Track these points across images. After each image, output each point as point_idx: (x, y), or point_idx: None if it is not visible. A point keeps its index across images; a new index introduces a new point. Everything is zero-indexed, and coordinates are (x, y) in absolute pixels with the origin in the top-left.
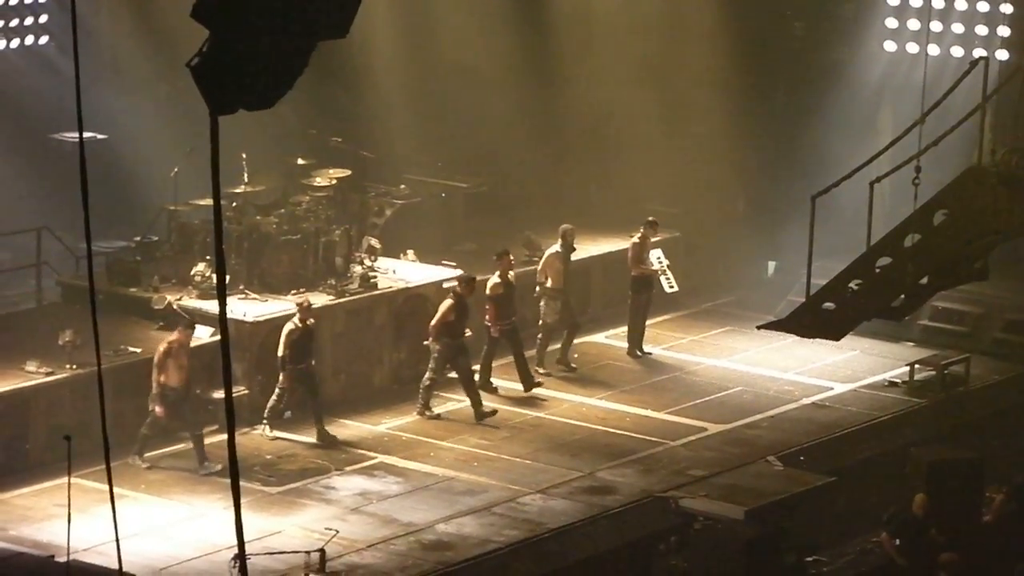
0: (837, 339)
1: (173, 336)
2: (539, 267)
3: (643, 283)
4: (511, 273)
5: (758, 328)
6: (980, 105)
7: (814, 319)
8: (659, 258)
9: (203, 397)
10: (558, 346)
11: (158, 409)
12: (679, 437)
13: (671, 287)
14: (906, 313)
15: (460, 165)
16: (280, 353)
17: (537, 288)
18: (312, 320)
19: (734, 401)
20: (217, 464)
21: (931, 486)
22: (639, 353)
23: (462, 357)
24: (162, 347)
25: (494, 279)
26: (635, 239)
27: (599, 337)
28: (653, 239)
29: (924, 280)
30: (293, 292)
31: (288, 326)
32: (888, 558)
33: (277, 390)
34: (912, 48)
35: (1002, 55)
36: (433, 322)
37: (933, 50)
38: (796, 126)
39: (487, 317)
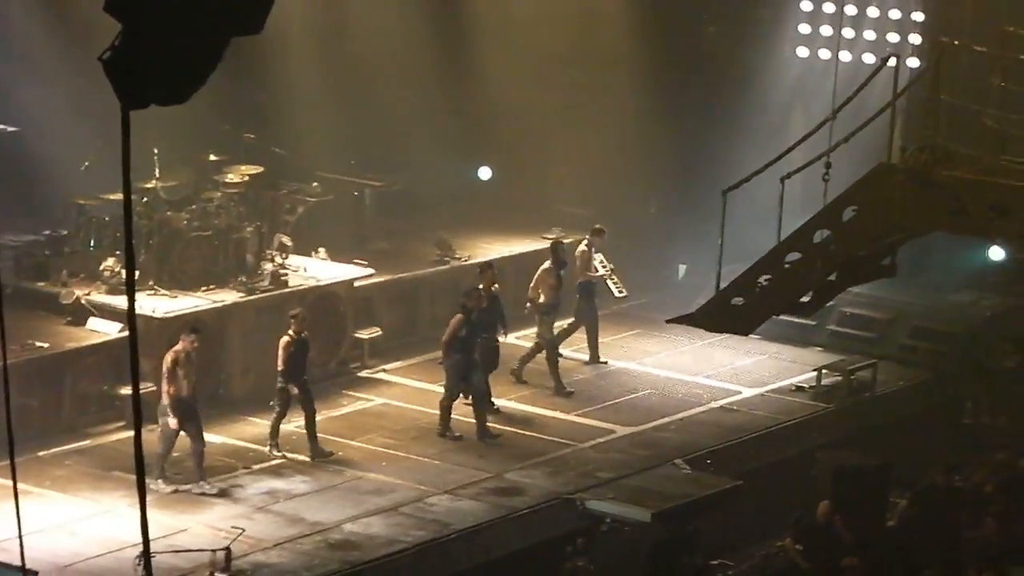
0: (746, 334)
1: (178, 345)
2: (532, 283)
3: (588, 289)
4: (495, 287)
5: (667, 322)
6: (890, 103)
7: (723, 314)
8: (602, 262)
9: (110, 393)
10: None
11: (171, 422)
12: (587, 439)
13: (620, 292)
14: (814, 309)
15: (373, 163)
16: (279, 368)
17: (528, 304)
18: (306, 333)
19: (643, 404)
20: (214, 488)
21: (837, 491)
22: (597, 364)
23: (475, 374)
24: (169, 357)
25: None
26: (582, 247)
27: (509, 338)
28: (596, 247)
29: (833, 276)
30: (203, 289)
31: (284, 339)
32: (792, 563)
33: (277, 408)
34: (824, 54)
35: (913, 63)
36: (444, 338)
37: (845, 56)
38: (708, 130)
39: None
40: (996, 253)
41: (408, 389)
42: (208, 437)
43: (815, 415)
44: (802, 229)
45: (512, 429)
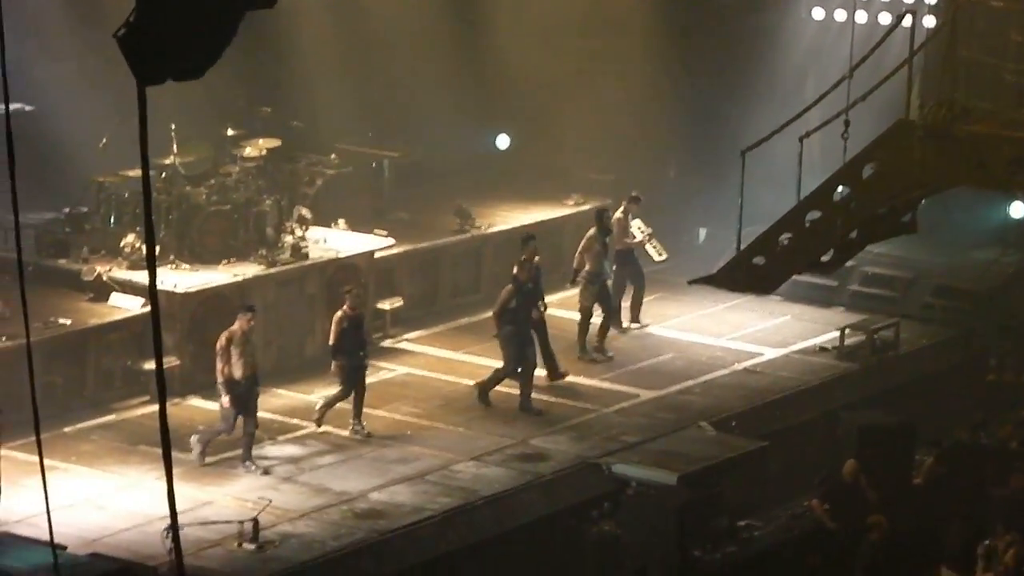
0: (767, 293)
1: (234, 325)
2: (578, 251)
3: (626, 256)
4: (537, 258)
5: (689, 283)
6: (907, 59)
7: (744, 273)
8: (640, 228)
9: (134, 368)
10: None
11: (225, 401)
12: (612, 404)
13: (660, 255)
14: (836, 267)
15: (390, 134)
16: (331, 343)
17: (575, 273)
18: (361, 310)
19: (666, 367)
20: (259, 470)
21: (862, 450)
22: (636, 325)
23: (529, 347)
24: (223, 337)
25: (522, 263)
26: (618, 214)
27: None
28: (633, 213)
29: (853, 234)
30: (224, 263)
31: (337, 314)
32: (818, 522)
33: (339, 387)
34: (840, 15)
35: (929, 20)
36: (495, 310)
37: (861, 17)
38: (724, 93)
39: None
40: (1017, 210)
41: (431, 358)
42: None
43: (839, 375)
44: (822, 187)
45: (536, 395)
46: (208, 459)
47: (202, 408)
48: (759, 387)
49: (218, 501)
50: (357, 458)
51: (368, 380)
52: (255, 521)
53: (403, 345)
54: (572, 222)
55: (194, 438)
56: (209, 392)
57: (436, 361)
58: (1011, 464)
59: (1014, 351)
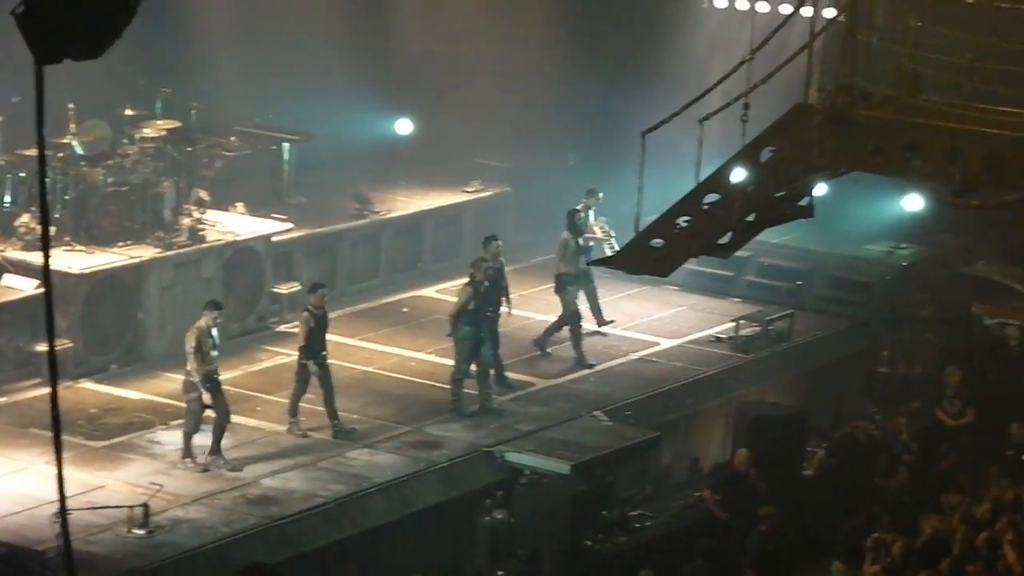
0: (665, 275)
1: (201, 321)
2: (556, 253)
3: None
4: (500, 259)
5: (587, 264)
6: (807, 44)
7: (642, 256)
8: (603, 227)
9: (25, 350)
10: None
11: (205, 397)
12: (506, 392)
13: (612, 250)
14: (733, 249)
15: (290, 118)
16: (300, 344)
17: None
18: (325, 308)
19: (561, 356)
20: (229, 465)
21: (753, 440)
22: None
23: (484, 347)
24: (192, 335)
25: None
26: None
27: (429, 291)
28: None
29: (751, 217)
30: (120, 244)
31: (304, 314)
32: (710, 512)
33: (295, 385)
34: (742, 5)
35: (829, 13)
36: (452, 312)
37: (762, 7)
38: (627, 83)
39: None
40: (910, 203)
41: (328, 344)
42: (126, 393)
43: (733, 366)
44: (720, 170)
45: (431, 382)
46: (101, 443)
47: (95, 391)
48: (654, 377)
49: (109, 486)
50: (250, 443)
51: (262, 365)
52: (146, 506)
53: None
54: (471, 208)
55: (184, 460)
56: (102, 376)
57: (332, 347)
58: (900, 457)
59: (905, 343)
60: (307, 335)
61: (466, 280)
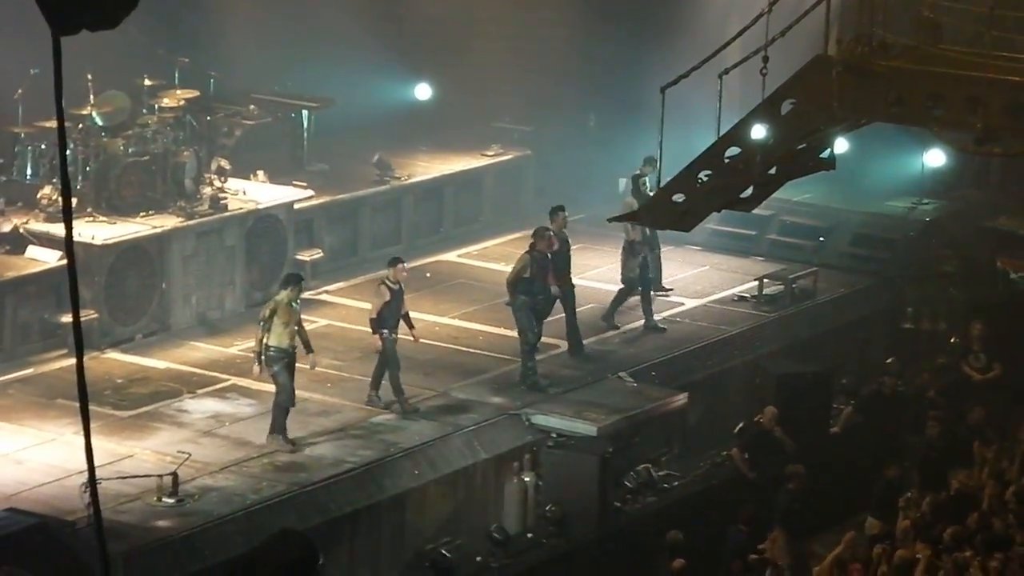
0: (688, 230)
1: (279, 295)
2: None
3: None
4: (564, 230)
5: (609, 220)
6: None
7: (665, 211)
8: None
9: (51, 321)
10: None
11: (255, 368)
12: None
13: None
14: (755, 203)
15: (309, 84)
16: (371, 316)
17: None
18: (403, 284)
19: (586, 318)
20: (289, 446)
21: (780, 399)
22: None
23: (540, 320)
24: (268, 306)
25: (542, 233)
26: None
27: (451, 256)
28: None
29: (772, 170)
30: (142, 214)
31: (380, 286)
32: (738, 471)
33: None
34: None
35: None
36: (508, 278)
37: None
38: (645, 45)
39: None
40: (933, 158)
41: (351, 310)
42: (151, 362)
43: (757, 325)
44: (740, 124)
45: (456, 347)
46: (129, 413)
47: (121, 360)
48: (678, 337)
49: (137, 455)
50: None
51: None
52: (174, 475)
53: (323, 297)
54: (491, 172)
55: (271, 437)
56: (128, 345)
57: (357, 313)
58: (927, 412)
59: (930, 299)
60: (380, 308)
61: (526, 249)
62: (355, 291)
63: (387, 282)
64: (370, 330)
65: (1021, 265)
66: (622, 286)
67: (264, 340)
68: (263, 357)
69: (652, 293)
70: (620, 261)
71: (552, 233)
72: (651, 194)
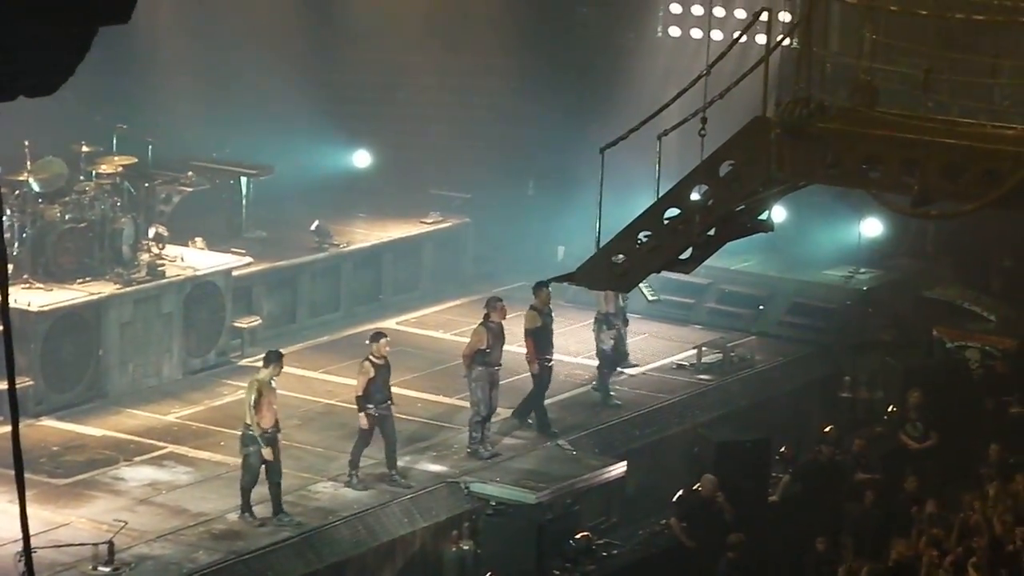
0: (626, 291)
1: (260, 374)
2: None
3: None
4: (550, 304)
5: (550, 281)
6: (764, 58)
7: (604, 271)
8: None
9: None
10: None
11: (266, 452)
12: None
13: (653, 296)
14: (694, 265)
15: (248, 151)
16: (357, 393)
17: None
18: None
19: (526, 385)
20: (294, 521)
21: (719, 466)
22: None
23: (494, 390)
24: (254, 387)
25: (530, 311)
26: None
27: (390, 323)
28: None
29: (712, 232)
30: (79, 281)
31: (364, 363)
32: (677, 540)
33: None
34: (696, 34)
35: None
36: (465, 352)
37: (716, 35)
38: (584, 112)
39: (526, 353)
40: (870, 228)
41: (290, 377)
42: (88, 430)
43: (696, 392)
44: (680, 185)
45: (395, 415)
46: (64, 480)
47: (57, 428)
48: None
49: (73, 523)
50: (215, 479)
51: (224, 400)
52: (110, 543)
53: (260, 363)
54: (430, 240)
55: (244, 514)
56: (63, 413)
57: (295, 380)
58: (864, 481)
59: (867, 368)
60: (365, 385)
61: (480, 321)
62: (293, 359)
63: (371, 358)
64: (356, 407)
65: (957, 334)
66: (599, 361)
67: (256, 421)
68: (256, 437)
69: (618, 368)
70: (594, 334)
71: (503, 304)
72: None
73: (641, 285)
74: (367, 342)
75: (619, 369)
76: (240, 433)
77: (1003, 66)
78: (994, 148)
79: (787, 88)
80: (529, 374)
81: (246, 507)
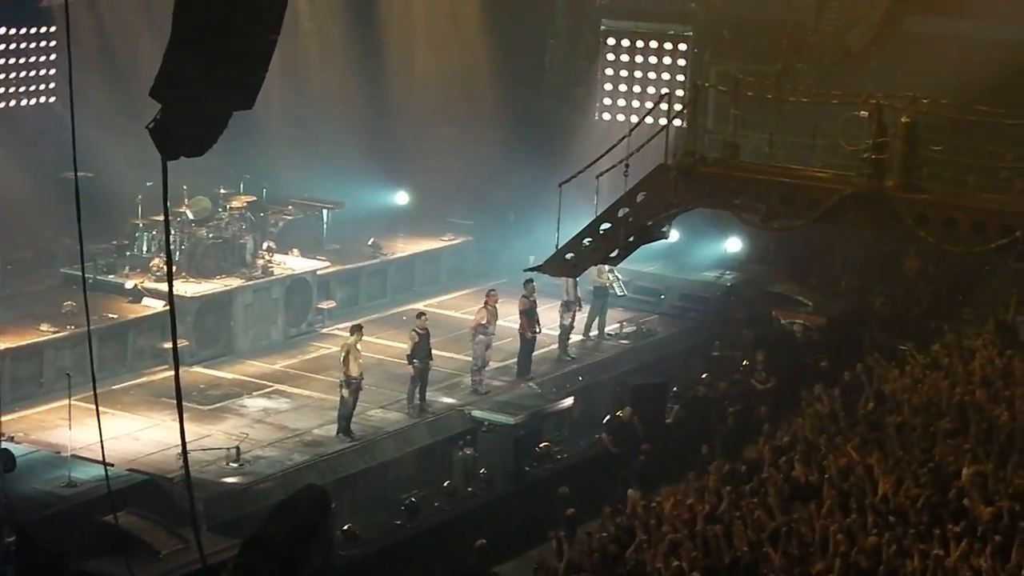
0: (576, 276)
1: (349, 339)
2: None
3: (601, 290)
4: (535, 294)
5: (524, 271)
6: (665, 126)
7: (560, 264)
8: (611, 270)
9: (157, 346)
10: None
11: (344, 392)
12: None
13: (621, 292)
14: (620, 260)
15: (327, 191)
16: (408, 353)
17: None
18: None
19: (508, 348)
20: (350, 440)
21: (635, 401)
22: (608, 335)
23: (488, 350)
24: (344, 348)
25: (522, 298)
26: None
27: (419, 305)
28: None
29: (631, 239)
30: (217, 277)
31: (412, 332)
32: (606, 449)
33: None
34: (620, 118)
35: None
36: (472, 325)
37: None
38: (549, 164)
39: (520, 325)
40: (732, 245)
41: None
42: (222, 374)
43: (619, 352)
44: (611, 207)
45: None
46: (208, 407)
47: (203, 373)
48: (569, 360)
49: (213, 436)
50: (305, 407)
51: (311, 355)
52: (238, 448)
53: (335, 332)
54: (446, 251)
55: (338, 434)
56: (207, 363)
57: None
58: (727, 409)
59: (730, 336)
60: (412, 347)
61: (482, 303)
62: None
63: (416, 330)
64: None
65: (788, 315)
66: (559, 331)
67: (346, 372)
68: (342, 382)
69: (582, 337)
70: (558, 314)
71: (496, 292)
72: (606, 273)
73: (614, 284)
74: (415, 318)
75: (595, 336)
76: (339, 380)
77: (822, 131)
78: (814, 185)
79: (681, 146)
80: (518, 339)
81: (344, 430)
